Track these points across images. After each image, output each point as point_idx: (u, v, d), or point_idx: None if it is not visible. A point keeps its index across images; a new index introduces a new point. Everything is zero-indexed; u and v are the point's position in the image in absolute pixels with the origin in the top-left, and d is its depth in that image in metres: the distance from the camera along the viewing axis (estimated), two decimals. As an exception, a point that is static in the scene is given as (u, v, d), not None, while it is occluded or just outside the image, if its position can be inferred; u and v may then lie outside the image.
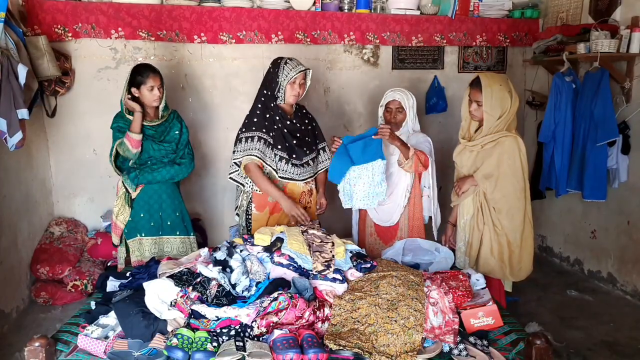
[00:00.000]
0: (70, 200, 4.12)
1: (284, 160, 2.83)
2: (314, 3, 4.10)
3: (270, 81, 2.84)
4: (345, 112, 4.49)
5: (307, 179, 2.94)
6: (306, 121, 3.00)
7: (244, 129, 2.85)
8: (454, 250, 2.85)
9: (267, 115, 2.83)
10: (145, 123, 2.97)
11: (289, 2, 4.07)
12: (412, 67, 4.54)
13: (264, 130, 2.80)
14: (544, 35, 4.33)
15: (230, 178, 2.98)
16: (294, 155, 2.86)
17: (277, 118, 2.84)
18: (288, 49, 4.21)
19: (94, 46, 3.90)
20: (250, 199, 2.95)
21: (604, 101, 3.63)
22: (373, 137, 2.77)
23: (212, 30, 3.97)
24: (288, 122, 2.86)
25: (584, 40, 3.76)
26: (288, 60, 2.81)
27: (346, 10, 4.21)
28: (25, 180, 3.65)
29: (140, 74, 2.92)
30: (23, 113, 2.96)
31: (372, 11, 4.27)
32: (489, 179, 2.72)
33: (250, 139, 2.79)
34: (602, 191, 3.79)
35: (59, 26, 3.72)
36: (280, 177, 2.84)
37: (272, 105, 2.84)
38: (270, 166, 2.82)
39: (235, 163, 2.92)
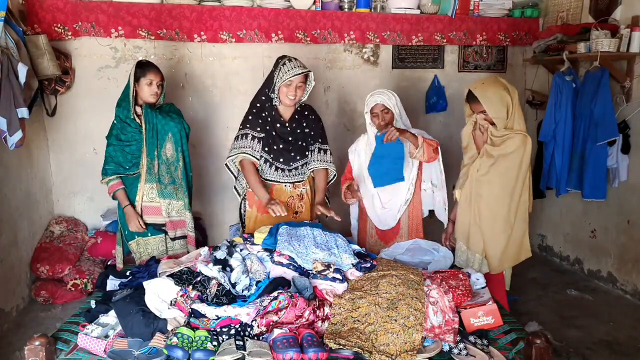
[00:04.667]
0: (70, 199, 4.12)
1: (268, 163, 2.83)
2: (314, 2, 4.09)
3: (269, 80, 2.80)
4: (345, 111, 4.49)
5: (293, 182, 2.90)
6: (304, 123, 2.89)
7: (240, 127, 2.85)
8: (453, 250, 2.85)
9: (263, 114, 2.82)
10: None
11: (289, 1, 4.07)
12: (412, 66, 4.53)
13: (258, 129, 2.79)
14: (544, 35, 4.33)
15: (226, 165, 2.96)
16: (280, 159, 2.84)
17: (270, 120, 2.81)
18: (288, 48, 4.20)
19: (94, 45, 3.90)
20: (245, 196, 2.97)
21: (604, 100, 3.63)
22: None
23: (212, 29, 3.97)
24: (279, 125, 2.82)
25: (584, 40, 3.76)
26: (287, 62, 2.70)
27: (346, 10, 4.20)
28: (26, 179, 3.65)
29: (141, 67, 2.93)
30: (23, 112, 2.96)
31: (372, 10, 4.26)
32: (485, 177, 2.72)
33: (244, 136, 2.79)
34: (602, 190, 3.79)
35: (59, 25, 3.72)
36: (264, 178, 2.84)
37: (267, 105, 2.82)
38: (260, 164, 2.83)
39: (226, 165, 2.94)
